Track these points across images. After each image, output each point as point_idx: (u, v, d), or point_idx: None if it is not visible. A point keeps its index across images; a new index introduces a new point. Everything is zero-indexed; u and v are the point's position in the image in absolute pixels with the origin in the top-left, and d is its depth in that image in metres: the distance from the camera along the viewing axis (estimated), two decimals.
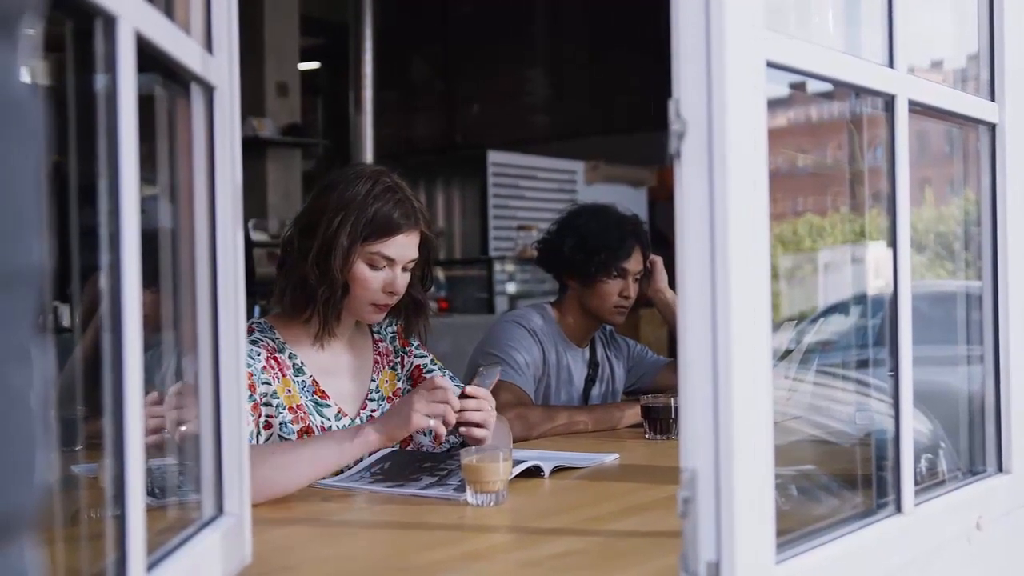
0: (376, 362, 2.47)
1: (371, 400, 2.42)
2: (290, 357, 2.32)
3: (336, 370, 2.39)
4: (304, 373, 2.32)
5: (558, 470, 2.28)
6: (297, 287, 2.30)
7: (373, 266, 2.30)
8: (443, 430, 2.13)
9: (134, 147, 1.07)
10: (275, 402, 2.24)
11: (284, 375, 2.29)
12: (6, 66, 0.61)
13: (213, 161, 1.42)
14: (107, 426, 1.05)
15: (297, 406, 2.27)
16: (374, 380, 2.45)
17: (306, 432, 2.26)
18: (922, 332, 1.67)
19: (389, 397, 2.46)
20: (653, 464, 2.49)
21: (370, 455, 2.24)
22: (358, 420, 2.36)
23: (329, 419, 2.31)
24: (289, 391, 2.28)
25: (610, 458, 2.46)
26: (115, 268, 1.05)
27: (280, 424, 2.24)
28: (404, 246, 2.32)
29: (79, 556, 1.25)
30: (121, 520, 1.04)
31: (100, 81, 1.06)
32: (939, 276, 2.14)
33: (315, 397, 2.32)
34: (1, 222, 0.60)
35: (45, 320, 0.68)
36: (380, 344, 2.51)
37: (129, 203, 1.06)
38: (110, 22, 1.04)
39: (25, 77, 0.64)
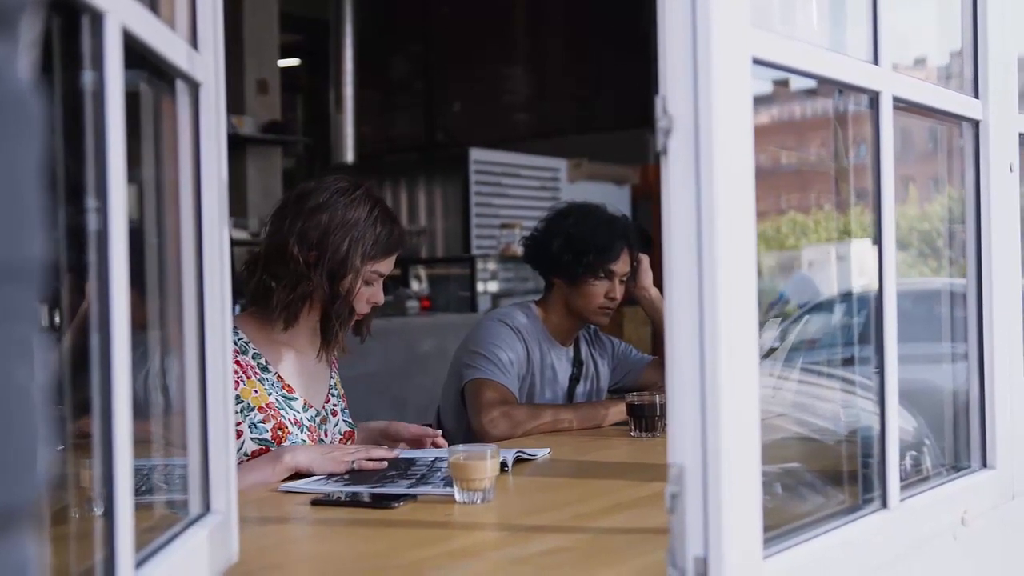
0: (333, 363, 2.61)
1: (332, 395, 2.57)
2: (254, 357, 2.41)
3: (299, 368, 2.49)
4: (269, 371, 2.42)
5: (518, 461, 2.34)
6: (300, 301, 2.39)
7: (367, 283, 2.43)
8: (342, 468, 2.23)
9: (121, 143, 1.07)
10: (239, 406, 2.31)
11: (249, 376, 2.37)
12: (7, 62, 0.61)
13: (199, 158, 1.42)
14: (95, 425, 1.04)
15: (267, 404, 2.37)
16: (332, 378, 2.59)
17: (279, 428, 2.35)
18: (906, 330, 1.67)
19: (343, 395, 2.62)
20: (639, 461, 2.50)
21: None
22: (323, 412, 2.50)
23: (298, 411, 2.43)
24: (256, 392, 2.37)
25: (542, 453, 2.49)
26: (103, 266, 1.04)
27: (250, 426, 2.33)
28: (393, 262, 2.50)
29: (64, 554, 1.24)
30: (109, 518, 1.04)
31: (87, 77, 1.06)
32: (922, 274, 2.15)
33: (283, 392, 2.42)
34: (4, 216, 0.60)
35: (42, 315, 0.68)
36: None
37: (117, 200, 1.05)
38: (97, 18, 1.04)
39: (25, 73, 0.63)
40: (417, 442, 2.55)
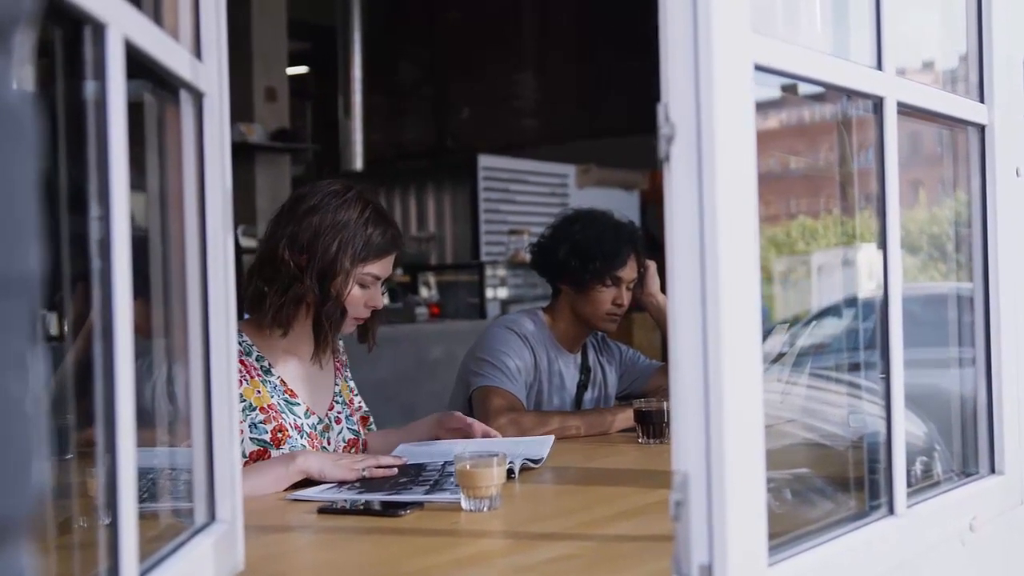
0: (337, 369, 2.60)
1: (336, 402, 2.56)
2: (257, 360, 2.42)
3: (303, 374, 2.49)
4: (272, 375, 2.42)
5: (524, 469, 2.33)
6: (292, 304, 2.39)
7: (362, 285, 2.43)
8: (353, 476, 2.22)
9: (124, 154, 1.07)
10: (241, 405, 2.31)
11: (252, 377, 2.38)
12: (2, 74, 0.61)
13: (203, 168, 1.42)
14: (99, 434, 1.05)
15: (268, 405, 2.37)
16: (337, 385, 2.59)
17: (279, 430, 2.36)
18: (915, 335, 1.67)
19: (347, 402, 2.60)
20: (646, 468, 2.49)
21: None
22: (326, 419, 2.50)
23: (299, 416, 2.43)
24: (259, 392, 2.37)
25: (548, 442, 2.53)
26: (106, 275, 1.04)
27: (251, 426, 2.33)
28: (390, 265, 2.48)
29: (70, 563, 1.24)
30: (114, 527, 1.04)
31: (89, 88, 1.06)
32: (932, 278, 2.15)
33: (285, 396, 2.42)
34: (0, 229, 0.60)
35: (39, 328, 0.68)
36: (336, 353, 2.64)
37: (119, 210, 1.05)
38: (99, 29, 1.04)
39: (19, 84, 0.64)
40: (464, 433, 2.58)
